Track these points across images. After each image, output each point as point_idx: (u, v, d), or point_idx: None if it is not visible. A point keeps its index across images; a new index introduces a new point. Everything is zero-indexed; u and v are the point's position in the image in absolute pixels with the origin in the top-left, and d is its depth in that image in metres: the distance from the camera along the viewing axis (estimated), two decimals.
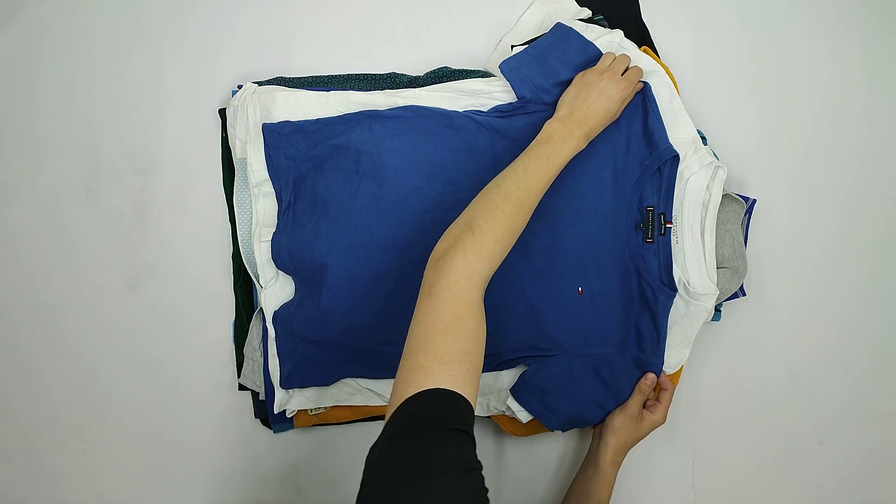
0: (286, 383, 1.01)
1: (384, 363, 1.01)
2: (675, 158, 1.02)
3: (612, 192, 1.02)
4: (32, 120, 1.14)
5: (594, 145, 1.00)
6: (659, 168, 1.02)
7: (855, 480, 1.16)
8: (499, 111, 1.02)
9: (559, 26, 1.04)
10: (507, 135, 1.01)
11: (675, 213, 1.04)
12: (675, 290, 1.02)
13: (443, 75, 1.09)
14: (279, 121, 1.02)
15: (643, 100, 1.02)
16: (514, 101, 1.04)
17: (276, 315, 1.01)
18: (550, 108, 1.00)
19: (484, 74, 1.10)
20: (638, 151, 1.02)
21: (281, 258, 1.00)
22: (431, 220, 0.99)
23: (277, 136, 1.01)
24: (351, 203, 0.99)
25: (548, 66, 1.02)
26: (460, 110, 1.04)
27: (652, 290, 1.01)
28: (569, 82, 1.00)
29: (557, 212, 1.01)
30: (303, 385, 1.02)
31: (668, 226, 1.03)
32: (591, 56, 1.02)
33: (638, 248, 1.03)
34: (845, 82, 1.17)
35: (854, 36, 1.17)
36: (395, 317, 0.94)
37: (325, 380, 1.02)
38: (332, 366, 1.01)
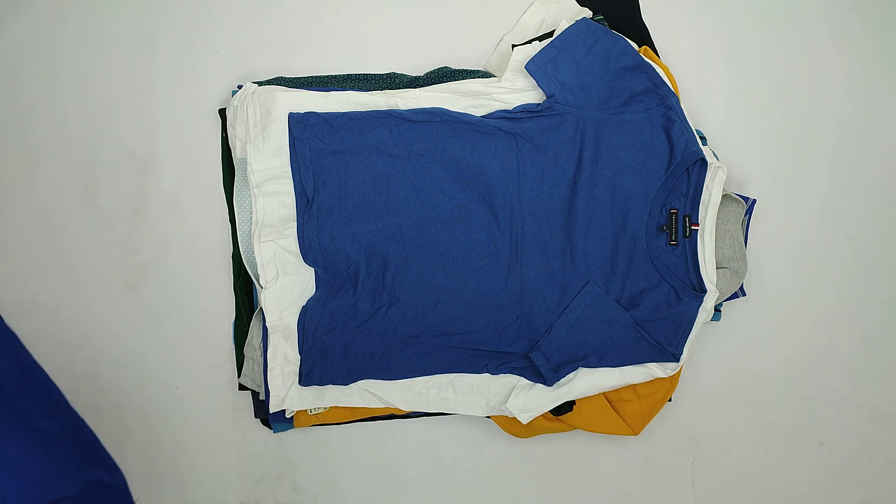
0: (306, 380, 1.02)
1: (404, 360, 1.03)
2: (703, 162, 1.02)
3: (633, 197, 1.03)
4: (32, 120, 1.14)
5: (612, 150, 1.01)
6: (687, 170, 1.03)
7: (855, 480, 1.16)
8: (526, 111, 1.02)
9: (584, 21, 1.04)
10: (531, 139, 1.02)
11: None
12: (704, 290, 1.02)
13: (443, 75, 1.09)
14: (305, 111, 1.02)
15: (667, 107, 1.02)
16: (529, 102, 1.04)
17: (305, 310, 1.02)
18: (575, 110, 1.01)
19: (484, 75, 1.10)
20: (661, 156, 1.02)
21: (311, 251, 1.01)
22: (458, 218, 1.02)
23: (303, 128, 1.01)
24: (382, 202, 1.02)
25: (574, 61, 1.02)
26: (463, 110, 1.04)
27: (676, 291, 1.02)
28: (596, 79, 1.01)
29: (575, 215, 1.02)
30: (321, 382, 1.03)
31: (693, 228, 1.03)
32: (620, 48, 1.02)
33: (661, 250, 1.04)
34: (846, 82, 1.17)
35: (854, 36, 1.17)
36: (419, 312, 1.01)
37: (344, 378, 1.03)
38: (352, 361, 1.03)
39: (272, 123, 1.01)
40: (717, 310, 1.11)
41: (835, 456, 1.17)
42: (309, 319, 1.01)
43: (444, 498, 1.15)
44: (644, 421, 1.07)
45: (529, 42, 1.07)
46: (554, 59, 1.02)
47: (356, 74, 1.10)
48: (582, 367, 1.03)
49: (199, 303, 1.13)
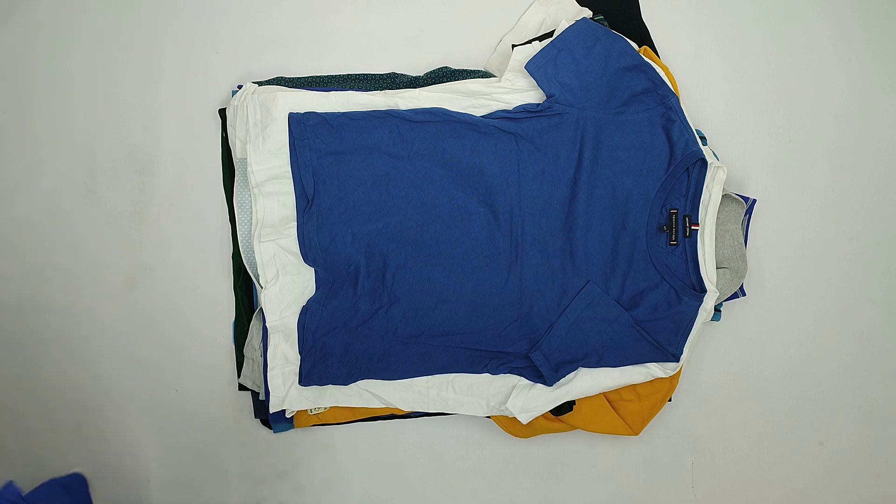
0: (306, 380, 1.02)
1: (404, 360, 1.03)
2: (703, 162, 1.02)
3: (633, 197, 1.03)
4: (32, 120, 1.14)
5: (612, 150, 1.01)
6: (687, 170, 1.03)
7: (855, 480, 1.17)
8: (526, 111, 1.02)
9: (584, 21, 1.03)
10: (531, 139, 1.02)
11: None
12: (704, 290, 1.02)
13: (443, 75, 1.09)
14: (305, 111, 1.02)
15: (667, 107, 1.02)
16: (529, 102, 1.04)
17: (305, 310, 1.02)
18: (575, 110, 1.01)
19: (484, 75, 1.10)
20: (661, 156, 1.02)
21: (311, 251, 1.01)
22: (458, 218, 1.02)
23: (303, 128, 1.01)
24: (382, 202, 1.02)
25: (574, 61, 1.02)
26: (463, 110, 1.04)
27: (676, 291, 1.02)
28: (596, 79, 1.01)
29: (575, 215, 1.02)
30: (321, 382, 1.03)
31: (693, 228, 1.03)
32: (620, 48, 1.02)
33: (661, 250, 1.04)
34: (846, 82, 1.17)
35: (854, 36, 1.17)
36: (419, 312, 1.02)
37: (344, 378, 1.03)
38: (352, 361, 1.03)
39: (272, 123, 1.01)
40: (717, 310, 1.11)
41: (835, 456, 1.17)
42: (309, 319, 1.02)
43: (444, 498, 1.15)
44: (644, 421, 1.07)
45: (529, 42, 1.07)
46: (554, 59, 1.02)
47: (356, 74, 1.10)
48: (582, 367, 1.03)
49: (199, 303, 1.13)
